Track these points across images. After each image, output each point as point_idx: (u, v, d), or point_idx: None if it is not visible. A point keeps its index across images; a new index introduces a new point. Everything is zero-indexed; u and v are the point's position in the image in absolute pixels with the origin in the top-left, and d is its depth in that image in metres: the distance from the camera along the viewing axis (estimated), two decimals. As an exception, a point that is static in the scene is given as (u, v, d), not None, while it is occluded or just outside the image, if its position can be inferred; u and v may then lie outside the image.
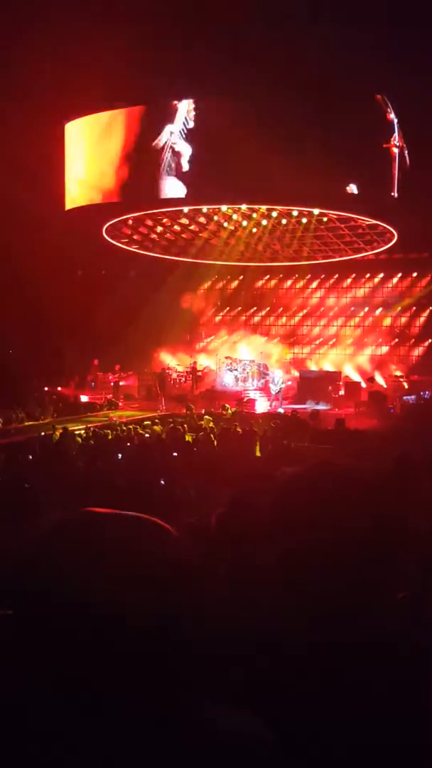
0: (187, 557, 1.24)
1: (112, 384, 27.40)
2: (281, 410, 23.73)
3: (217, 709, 1.23)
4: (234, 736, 1.20)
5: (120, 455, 12.55)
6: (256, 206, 25.60)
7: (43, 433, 16.51)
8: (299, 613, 1.39)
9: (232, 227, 28.37)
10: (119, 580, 1.15)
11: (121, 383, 27.64)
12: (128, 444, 14.35)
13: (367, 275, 30.29)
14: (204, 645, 1.24)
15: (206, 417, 19.27)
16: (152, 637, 1.14)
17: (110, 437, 15.41)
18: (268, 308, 32.27)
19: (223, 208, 26.09)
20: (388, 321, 30.22)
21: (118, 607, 1.13)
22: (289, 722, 1.34)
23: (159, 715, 1.16)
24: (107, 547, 1.19)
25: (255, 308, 32.47)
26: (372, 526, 1.40)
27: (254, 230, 28.31)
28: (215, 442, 14.45)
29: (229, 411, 21.72)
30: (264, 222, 27.23)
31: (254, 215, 26.88)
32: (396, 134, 21.29)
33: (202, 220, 27.78)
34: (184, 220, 27.75)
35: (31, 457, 12.64)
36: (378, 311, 30.34)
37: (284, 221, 27.00)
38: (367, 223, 25.10)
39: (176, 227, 28.50)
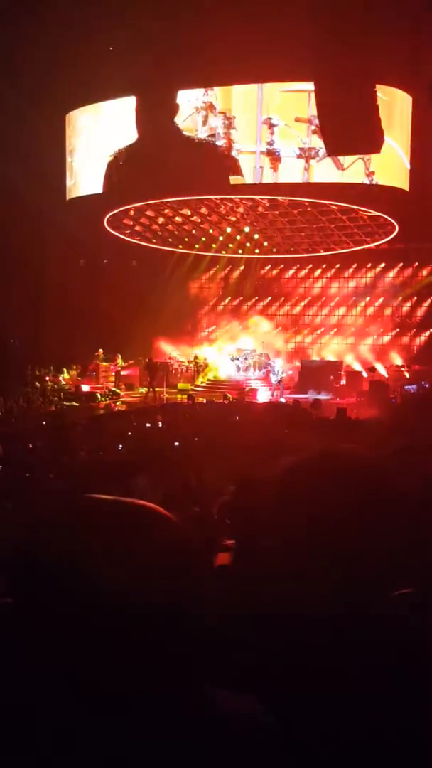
0: (189, 544, 1.24)
1: (113, 373, 27.40)
2: (282, 400, 23.79)
3: (221, 695, 1.24)
4: (240, 723, 1.21)
5: (121, 445, 12.55)
6: (257, 197, 25.47)
7: (44, 423, 16.53)
8: (301, 600, 1.39)
9: (233, 218, 28.36)
10: (122, 566, 1.15)
11: (122, 373, 27.66)
12: (129, 433, 14.35)
13: (369, 265, 30.27)
14: (206, 631, 1.24)
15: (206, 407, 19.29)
16: (155, 624, 1.15)
17: (111, 427, 15.41)
18: (269, 297, 32.25)
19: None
20: (389, 311, 30.23)
21: (120, 595, 1.14)
22: (290, 711, 1.34)
23: (163, 703, 1.16)
24: (109, 533, 1.19)
25: (257, 298, 32.45)
26: (375, 512, 1.40)
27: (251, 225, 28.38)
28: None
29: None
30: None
31: (260, 208, 26.80)
32: None
33: (204, 210, 27.69)
34: (186, 211, 27.65)
35: (31, 445, 12.64)
36: (379, 301, 30.34)
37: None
38: (369, 214, 25.01)
39: (178, 218, 28.41)
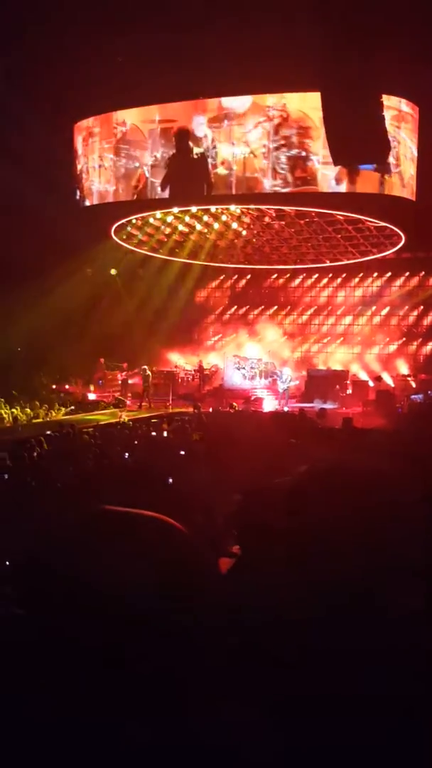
0: (197, 554, 1.24)
1: (119, 382, 27.38)
2: (286, 409, 23.78)
3: (225, 704, 1.24)
4: (243, 734, 1.21)
5: (127, 454, 12.54)
6: (263, 207, 25.47)
7: (48, 432, 16.53)
8: (310, 609, 1.39)
9: (242, 229, 28.38)
10: (131, 576, 1.16)
11: (129, 381, 27.65)
12: (136, 442, 14.34)
13: (375, 274, 30.29)
14: (213, 637, 1.24)
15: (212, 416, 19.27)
16: (163, 631, 1.15)
17: (118, 435, 15.42)
18: (276, 306, 32.27)
19: (232, 207, 25.95)
20: (395, 320, 30.22)
21: (132, 601, 1.14)
22: (291, 718, 1.34)
23: (168, 710, 1.16)
24: (121, 543, 1.19)
25: (263, 306, 32.47)
26: (384, 522, 1.40)
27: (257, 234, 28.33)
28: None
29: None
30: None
31: (266, 218, 26.81)
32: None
33: (208, 219, 27.67)
34: (192, 221, 27.64)
35: (35, 454, 12.62)
36: (386, 310, 30.33)
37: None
38: (376, 225, 25.00)
39: (182, 227, 28.37)
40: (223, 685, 1.31)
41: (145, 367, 25.96)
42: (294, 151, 21.72)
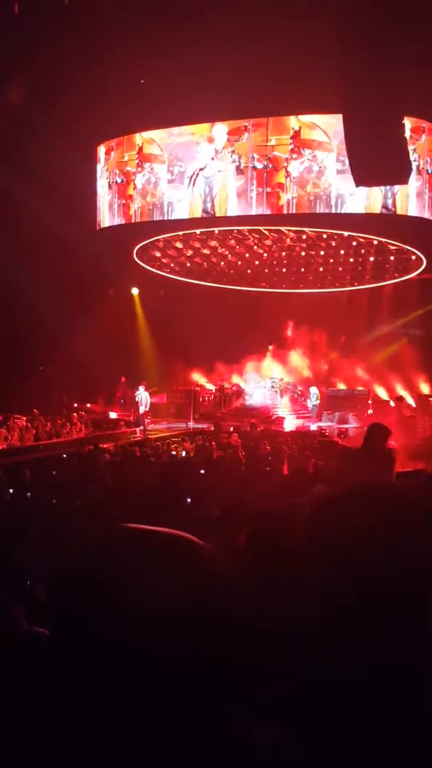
0: (221, 573, 1.25)
1: (137, 401, 27.33)
2: (313, 427, 23.80)
3: (249, 723, 1.24)
4: (267, 751, 1.21)
5: (148, 473, 12.55)
6: (284, 228, 25.52)
7: (70, 451, 16.59)
8: (333, 634, 1.37)
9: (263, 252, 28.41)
10: (155, 596, 1.16)
11: (150, 401, 27.64)
12: (152, 459, 14.37)
13: (396, 293, 30.04)
14: (237, 658, 1.25)
15: (234, 434, 19.28)
16: (187, 650, 1.16)
17: (138, 454, 15.43)
18: (295, 327, 32.11)
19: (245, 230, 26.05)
20: (417, 339, 29.94)
21: (156, 622, 1.15)
22: (317, 740, 1.33)
23: (190, 729, 1.17)
24: (144, 562, 1.20)
25: (283, 326, 32.31)
26: (414, 545, 1.36)
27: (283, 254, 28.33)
28: (243, 460, 14.42)
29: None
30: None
31: (289, 240, 26.85)
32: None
33: (232, 242, 27.73)
34: (214, 243, 27.68)
35: (54, 472, 12.66)
36: (407, 329, 30.07)
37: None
38: (395, 248, 24.96)
39: (205, 250, 28.41)
40: (247, 703, 1.32)
41: (142, 386, 25.59)
42: (307, 164, 21.49)
